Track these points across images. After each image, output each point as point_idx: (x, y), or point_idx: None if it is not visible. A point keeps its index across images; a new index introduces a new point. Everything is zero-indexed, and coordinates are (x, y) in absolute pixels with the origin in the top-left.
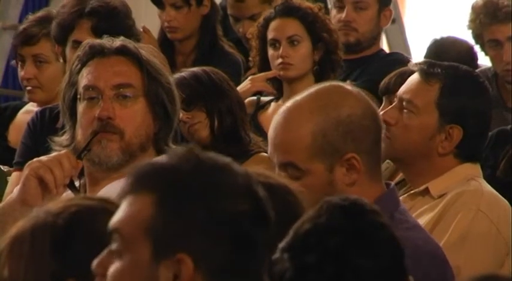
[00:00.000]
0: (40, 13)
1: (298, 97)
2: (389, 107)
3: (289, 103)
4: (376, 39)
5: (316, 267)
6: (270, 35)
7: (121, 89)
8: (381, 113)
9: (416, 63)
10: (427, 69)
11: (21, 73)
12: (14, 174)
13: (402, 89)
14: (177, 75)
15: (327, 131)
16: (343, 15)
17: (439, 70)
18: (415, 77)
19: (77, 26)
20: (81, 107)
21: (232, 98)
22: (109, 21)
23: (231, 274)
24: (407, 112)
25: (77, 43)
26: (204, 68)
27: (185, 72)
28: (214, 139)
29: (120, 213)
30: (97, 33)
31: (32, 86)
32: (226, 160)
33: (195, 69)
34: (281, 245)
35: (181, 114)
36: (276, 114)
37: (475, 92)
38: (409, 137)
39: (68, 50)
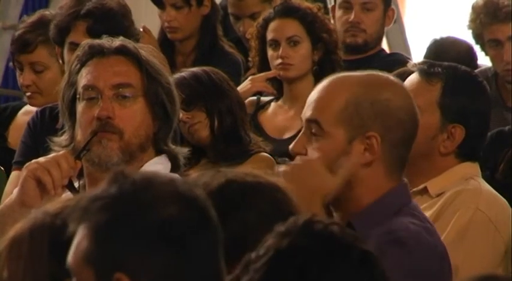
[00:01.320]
0: (35, 17)
1: (349, 73)
2: None
3: (341, 73)
4: (381, 39)
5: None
6: (270, 35)
7: (120, 89)
8: None
9: (415, 64)
10: (428, 69)
11: (20, 79)
12: (14, 173)
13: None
14: (177, 75)
15: (361, 103)
16: (352, 16)
17: (440, 70)
18: (414, 78)
19: (73, 27)
20: (80, 107)
21: (232, 98)
22: (104, 23)
23: (171, 280)
24: None
25: (74, 45)
26: (204, 68)
27: (185, 72)
28: (214, 139)
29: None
30: (92, 34)
31: (32, 92)
32: (152, 174)
33: (194, 69)
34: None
35: (181, 115)
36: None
37: (476, 92)
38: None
39: (65, 51)
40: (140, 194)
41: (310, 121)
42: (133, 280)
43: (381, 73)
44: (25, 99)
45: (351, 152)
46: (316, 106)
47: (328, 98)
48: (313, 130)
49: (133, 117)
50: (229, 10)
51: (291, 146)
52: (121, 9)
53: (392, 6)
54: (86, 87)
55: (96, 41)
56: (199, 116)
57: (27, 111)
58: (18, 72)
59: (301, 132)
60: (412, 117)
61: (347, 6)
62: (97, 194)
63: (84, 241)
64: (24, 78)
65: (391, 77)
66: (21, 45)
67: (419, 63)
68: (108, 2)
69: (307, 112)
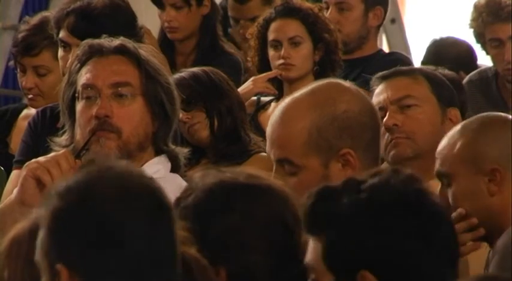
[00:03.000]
0: (37, 19)
1: (296, 94)
2: (387, 114)
3: (287, 100)
4: (366, 39)
5: None
6: (271, 35)
7: (119, 88)
8: (384, 121)
9: (377, 77)
10: (404, 70)
11: (21, 82)
12: (14, 172)
13: (388, 94)
14: (177, 75)
15: (322, 126)
16: (326, 16)
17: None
18: (398, 79)
19: (62, 25)
20: (79, 106)
21: (232, 98)
22: (87, 23)
23: (104, 275)
24: (411, 108)
25: (62, 42)
26: (204, 68)
27: (185, 73)
28: (214, 139)
29: None
30: (74, 33)
31: (34, 95)
32: (107, 166)
33: (194, 69)
34: None
35: (181, 115)
36: (274, 111)
37: (452, 83)
38: (424, 128)
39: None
40: (89, 187)
41: (280, 161)
42: (73, 273)
43: (326, 83)
44: (25, 100)
45: (329, 174)
46: (279, 144)
47: (289, 132)
48: (286, 168)
49: (131, 116)
50: (230, 13)
51: None
52: (109, 10)
53: (389, 6)
54: (85, 86)
55: (96, 41)
56: (199, 116)
57: (27, 115)
58: (19, 74)
59: (274, 171)
60: (372, 115)
61: (325, 7)
62: (61, 183)
63: (42, 235)
64: (26, 81)
65: (338, 83)
66: (26, 48)
67: (382, 74)
68: (97, 1)
69: (274, 152)
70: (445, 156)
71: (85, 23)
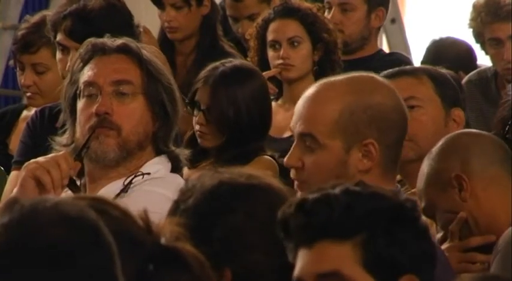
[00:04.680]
0: (37, 18)
1: (332, 78)
2: None
3: (325, 80)
4: (367, 39)
5: None
6: (270, 36)
7: (120, 86)
8: None
9: (381, 76)
10: (408, 70)
11: (21, 79)
12: (13, 173)
13: None
14: None
15: (355, 111)
16: (329, 16)
17: (416, 68)
18: (402, 78)
19: (59, 28)
20: (80, 103)
21: None
22: (84, 25)
23: None
24: (414, 109)
25: (60, 45)
26: None
27: None
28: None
29: None
30: (72, 36)
31: (32, 93)
32: (37, 200)
33: None
34: None
35: (197, 118)
36: (308, 89)
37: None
38: (428, 130)
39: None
40: (26, 222)
41: (304, 135)
42: None
43: (364, 74)
44: (25, 100)
45: (348, 161)
46: (308, 119)
47: (320, 109)
48: (307, 143)
49: (131, 114)
50: (227, 12)
51: (285, 160)
52: (105, 11)
53: (390, 6)
54: (86, 84)
55: (99, 40)
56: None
57: (27, 117)
58: (19, 72)
59: (294, 145)
60: (403, 116)
61: (328, 7)
62: None
63: None
64: (25, 78)
65: (375, 76)
66: (24, 46)
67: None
68: (93, 3)
69: (298, 126)
70: (418, 191)
71: (82, 26)
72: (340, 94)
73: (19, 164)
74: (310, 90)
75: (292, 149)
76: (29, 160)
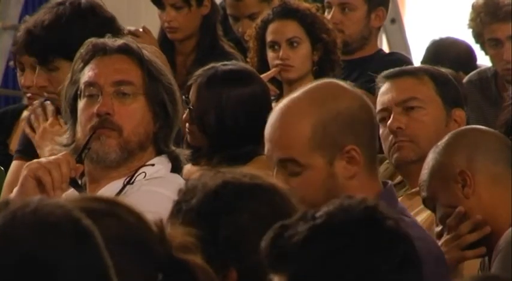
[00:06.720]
0: None
1: (294, 94)
2: (391, 116)
3: (285, 100)
4: (368, 39)
5: None
6: (269, 37)
7: (121, 87)
8: (388, 123)
9: (382, 76)
10: (409, 70)
11: (21, 80)
12: (14, 163)
13: (393, 94)
14: None
15: (326, 122)
16: (329, 16)
17: (417, 68)
18: (403, 79)
19: (29, 50)
20: (81, 103)
21: None
22: (37, 37)
23: None
24: (415, 110)
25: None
26: None
27: None
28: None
29: None
30: (27, 50)
31: (32, 93)
32: (18, 206)
33: None
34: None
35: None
36: (272, 112)
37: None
38: (428, 131)
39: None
40: (4, 229)
41: (283, 161)
42: None
43: (320, 82)
44: (25, 100)
45: (335, 172)
46: (283, 144)
47: (293, 131)
48: (289, 168)
49: (132, 114)
50: (228, 11)
51: None
52: (76, 21)
53: (390, 7)
54: (87, 84)
55: (100, 40)
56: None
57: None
58: (19, 73)
59: (275, 172)
60: (371, 112)
61: (328, 6)
62: None
63: None
64: (25, 79)
65: (332, 81)
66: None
67: (389, 72)
68: (47, 14)
69: (275, 153)
70: (421, 181)
71: (36, 37)
72: (306, 109)
73: (20, 154)
74: (274, 115)
75: (274, 177)
76: (30, 149)
